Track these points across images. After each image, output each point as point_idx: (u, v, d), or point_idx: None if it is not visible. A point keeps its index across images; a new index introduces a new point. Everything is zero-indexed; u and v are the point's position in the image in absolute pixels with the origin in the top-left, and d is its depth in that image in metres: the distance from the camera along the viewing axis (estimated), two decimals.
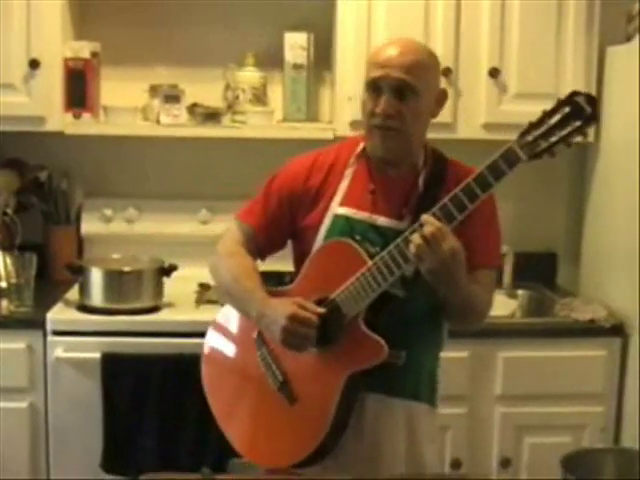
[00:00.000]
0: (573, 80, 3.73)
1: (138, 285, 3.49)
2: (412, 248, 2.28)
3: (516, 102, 3.71)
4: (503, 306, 3.89)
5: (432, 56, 2.54)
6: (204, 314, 3.29)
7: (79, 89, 3.69)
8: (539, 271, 4.16)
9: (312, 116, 3.92)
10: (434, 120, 3.63)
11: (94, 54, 3.73)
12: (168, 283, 3.54)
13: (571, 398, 3.54)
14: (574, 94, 2.21)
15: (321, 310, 2.41)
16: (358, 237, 2.47)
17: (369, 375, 2.42)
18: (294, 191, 2.60)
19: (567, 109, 2.20)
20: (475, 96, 3.72)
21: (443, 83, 3.63)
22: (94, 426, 3.31)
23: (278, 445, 2.52)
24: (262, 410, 2.57)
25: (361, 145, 2.60)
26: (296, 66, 3.82)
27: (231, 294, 2.62)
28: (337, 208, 2.55)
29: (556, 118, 2.21)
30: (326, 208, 2.56)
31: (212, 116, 3.80)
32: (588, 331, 3.55)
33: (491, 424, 3.53)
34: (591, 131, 3.79)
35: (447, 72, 3.64)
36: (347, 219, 2.53)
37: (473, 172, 2.33)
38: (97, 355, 3.30)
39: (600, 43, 3.77)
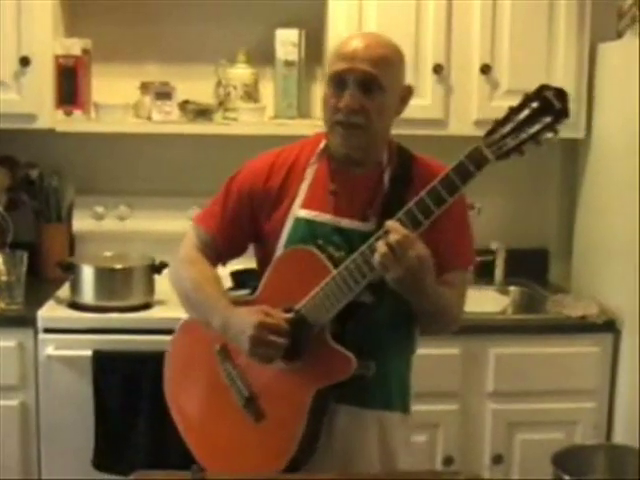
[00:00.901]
0: (564, 76, 3.73)
1: (129, 282, 3.48)
2: (377, 257, 2.20)
3: (508, 99, 3.61)
4: (494, 302, 3.90)
5: (399, 51, 2.46)
6: None
7: (70, 86, 3.68)
8: (531, 267, 4.16)
9: (303, 113, 3.92)
10: (425, 116, 3.69)
11: (85, 51, 3.73)
12: (159, 280, 3.53)
13: (563, 394, 3.54)
14: (543, 88, 2.11)
15: (288, 316, 2.33)
16: (321, 242, 2.39)
17: (338, 387, 2.34)
18: (254, 191, 2.51)
19: (535, 104, 2.10)
20: (467, 93, 3.72)
21: (434, 80, 3.68)
22: (85, 424, 3.30)
23: (245, 462, 2.45)
24: (227, 425, 2.49)
25: (323, 143, 2.51)
26: (287, 63, 3.81)
27: (192, 303, 2.53)
28: (298, 211, 2.46)
29: (524, 114, 2.11)
30: (287, 210, 2.47)
31: (203, 113, 3.79)
32: (580, 327, 3.55)
33: (483, 421, 3.53)
34: (582, 127, 3.81)
35: (438, 69, 3.66)
36: (309, 222, 2.45)
37: (442, 169, 2.26)
38: (88, 353, 3.29)
39: (591, 39, 3.77)
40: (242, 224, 2.55)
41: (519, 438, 3.54)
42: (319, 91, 4.00)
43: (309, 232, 2.43)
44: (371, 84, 2.35)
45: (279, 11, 3.88)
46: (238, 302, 2.48)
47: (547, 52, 3.73)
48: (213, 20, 3.95)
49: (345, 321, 2.34)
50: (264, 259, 2.53)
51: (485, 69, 3.69)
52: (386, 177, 2.46)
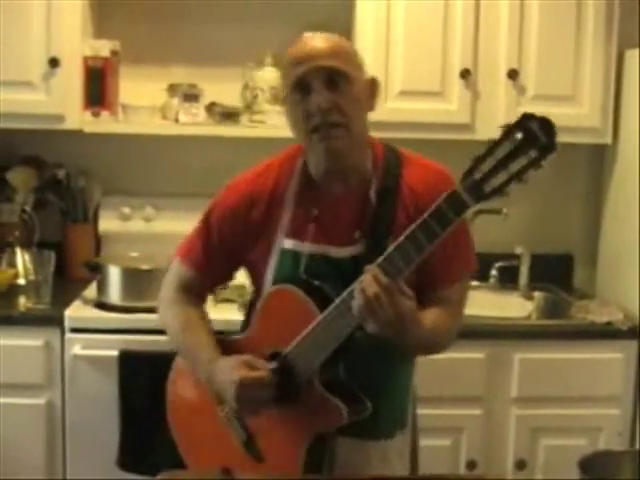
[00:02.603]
0: (591, 82, 3.74)
1: (155, 283, 3.43)
2: (354, 309, 2.07)
3: (534, 104, 3.70)
4: (519, 308, 3.89)
5: (351, 44, 2.35)
6: (221, 313, 3.28)
7: (98, 87, 3.70)
8: (555, 273, 4.16)
9: None
10: (452, 121, 3.69)
11: (113, 52, 3.74)
12: None
13: (587, 401, 3.53)
14: (526, 118, 1.90)
15: (272, 365, 2.24)
16: (304, 276, 2.28)
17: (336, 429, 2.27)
18: (236, 227, 2.40)
19: (519, 135, 1.89)
20: (493, 98, 3.72)
21: (461, 85, 3.68)
22: (111, 423, 3.32)
23: None
24: (232, 463, 2.37)
25: (300, 161, 2.38)
26: None
27: (179, 349, 2.50)
28: (283, 241, 2.34)
29: (507, 148, 1.91)
30: (272, 241, 2.36)
31: (230, 115, 3.81)
32: (605, 333, 3.54)
33: (507, 426, 3.53)
34: (609, 133, 3.80)
35: (466, 74, 3.66)
36: (294, 254, 2.33)
37: (433, 174, 2.20)
38: (114, 353, 3.31)
39: (619, 45, 3.76)
40: (226, 258, 2.46)
41: (543, 443, 3.53)
42: None
43: (295, 264, 2.32)
44: (336, 78, 2.21)
45: (307, 14, 3.88)
46: (227, 342, 2.42)
47: (574, 57, 3.73)
48: (241, 22, 3.97)
49: (337, 362, 2.24)
50: (254, 284, 2.48)
51: (512, 74, 3.69)
52: (372, 191, 2.31)
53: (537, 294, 4.04)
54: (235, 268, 2.52)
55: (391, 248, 2.06)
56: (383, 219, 2.26)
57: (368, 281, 2.04)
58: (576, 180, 4.20)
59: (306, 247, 2.32)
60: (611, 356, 3.55)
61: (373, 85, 2.34)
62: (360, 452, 2.38)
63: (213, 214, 2.47)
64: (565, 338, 3.54)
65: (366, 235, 2.28)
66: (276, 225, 2.36)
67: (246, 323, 2.53)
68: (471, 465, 3.48)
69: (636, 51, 3.74)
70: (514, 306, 3.89)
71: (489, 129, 3.68)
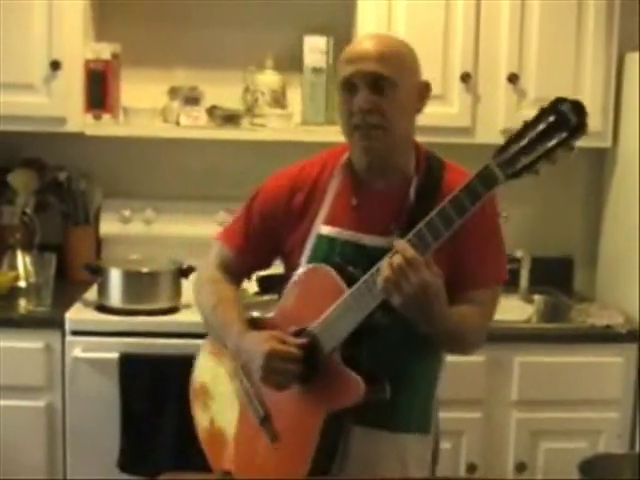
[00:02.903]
0: (592, 85, 3.74)
1: (156, 286, 3.50)
2: (379, 280, 2.12)
3: (535, 107, 3.57)
4: (519, 311, 3.89)
5: (408, 47, 2.38)
6: None
7: (99, 90, 3.70)
8: (555, 276, 4.16)
9: (331, 119, 3.91)
10: (452, 124, 3.69)
11: (115, 55, 3.75)
12: (186, 284, 3.54)
13: (587, 404, 3.53)
14: (558, 101, 1.95)
15: (301, 341, 2.27)
16: (338, 260, 2.32)
17: (353, 410, 2.26)
18: (276, 212, 2.49)
19: (551, 118, 1.94)
20: (494, 101, 3.72)
21: (462, 88, 3.68)
22: (111, 426, 3.32)
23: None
24: (247, 443, 2.46)
25: (346, 156, 2.46)
26: (315, 70, 3.82)
27: (209, 324, 2.54)
28: (321, 227, 2.42)
29: (539, 129, 1.95)
30: (310, 227, 2.43)
31: (231, 118, 3.81)
32: (604, 337, 3.55)
33: (507, 429, 3.53)
34: (609, 136, 3.80)
35: (466, 77, 3.66)
36: (330, 240, 2.40)
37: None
38: (115, 355, 3.31)
39: (619, 49, 3.77)
40: (265, 242, 2.53)
41: (543, 447, 3.53)
42: None
43: (330, 250, 2.38)
44: (381, 83, 2.28)
45: (307, 17, 3.89)
46: (256, 320, 2.48)
47: (575, 61, 3.73)
48: (242, 26, 3.97)
49: (360, 343, 2.26)
50: (288, 273, 2.50)
51: (512, 78, 3.69)
52: (412, 189, 2.37)
53: (537, 297, 4.04)
54: (273, 255, 2.57)
55: (422, 223, 2.12)
56: (420, 215, 2.21)
57: (395, 255, 2.10)
58: (576, 183, 4.20)
59: (342, 234, 2.39)
60: (611, 359, 3.55)
61: (424, 89, 2.41)
62: (374, 444, 2.37)
63: (256, 200, 2.56)
64: (565, 341, 3.54)
65: (402, 229, 2.27)
66: (315, 213, 2.44)
67: None
68: (471, 468, 3.48)
69: (636, 54, 3.75)
70: (514, 309, 3.89)
71: (489, 133, 3.70)
